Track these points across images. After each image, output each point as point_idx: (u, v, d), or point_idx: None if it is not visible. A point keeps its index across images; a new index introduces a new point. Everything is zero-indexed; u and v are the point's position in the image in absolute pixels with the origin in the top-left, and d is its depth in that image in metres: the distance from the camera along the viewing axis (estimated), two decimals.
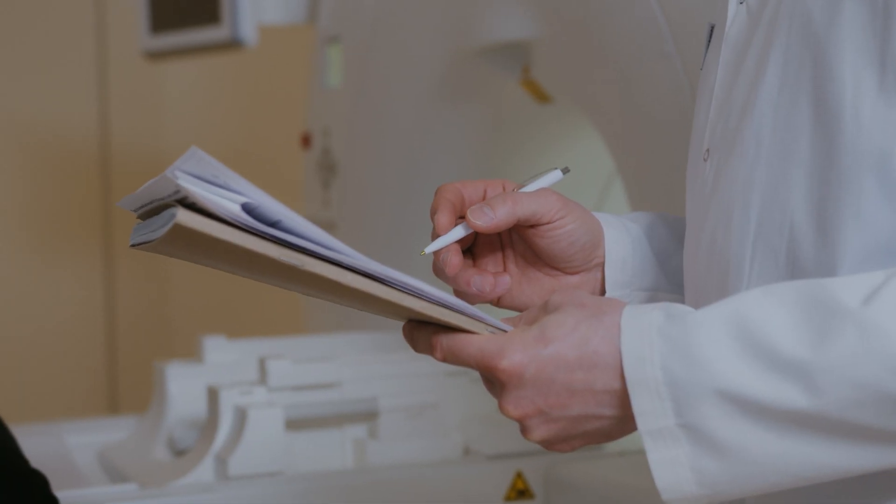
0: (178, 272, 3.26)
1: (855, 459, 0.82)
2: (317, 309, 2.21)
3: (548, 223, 0.98)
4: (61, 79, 3.13)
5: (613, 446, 1.62)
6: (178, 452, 1.62)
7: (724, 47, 0.97)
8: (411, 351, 1.73)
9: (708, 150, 0.97)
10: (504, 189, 1.00)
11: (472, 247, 1.02)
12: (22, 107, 3.10)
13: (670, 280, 1.05)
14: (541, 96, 1.81)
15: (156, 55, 2.33)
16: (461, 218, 0.98)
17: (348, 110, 2.10)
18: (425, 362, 1.62)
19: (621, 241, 1.03)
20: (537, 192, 0.98)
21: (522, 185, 1.00)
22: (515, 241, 1.02)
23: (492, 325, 0.88)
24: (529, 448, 1.58)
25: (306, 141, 2.21)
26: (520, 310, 1.02)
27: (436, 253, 0.97)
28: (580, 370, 0.85)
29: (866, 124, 0.85)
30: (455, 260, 0.97)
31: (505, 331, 0.88)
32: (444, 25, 1.86)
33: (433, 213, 0.97)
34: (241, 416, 1.50)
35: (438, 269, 0.98)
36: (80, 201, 3.15)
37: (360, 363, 1.60)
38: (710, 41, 1.03)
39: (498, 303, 1.03)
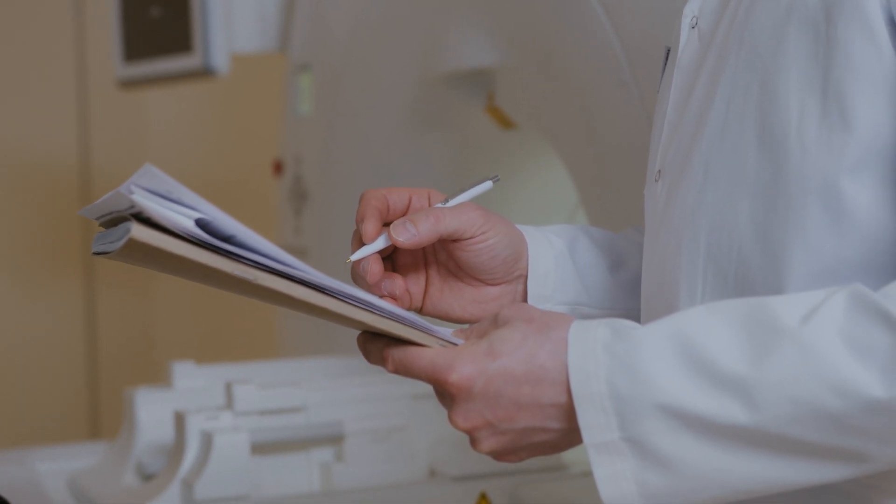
0: (159, 297, 3.28)
1: (795, 474, 0.85)
2: (294, 331, 2.23)
3: (470, 238, 0.99)
4: (41, 106, 3.15)
5: (577, 467, 1.64)
6: (147, 478, 1.63)
7: (677, 71, 1.00)
8: (377, 374, 1.75)
9: (660, 172, 0.99)
10: (430, 198, 1.01)
11: (394, 254, 1.03)
12: (2, 136, 3.12)
13: (591, 295, 1.06)
14: (505, 123, 1.83)
15: (130, 84, 2.36)
16: (386, 225, 0.99)
17: (319, 138, 2.13)
18: (391, 386, 1.64)
19: (544, 255, 1.04)
20: (460, 207, 0.99)
21: (452, 196, 1.01)
22: (437, 251, 1.03)
23: (442, 339, 0.91)
24: (494, 469, 1.59)
25: (278, 168, 2.23)
26: (441, 317, 1.03)
27: (356, 261, 0.98)
28: (527, 384, 0.87)
29: (811, 150, 0.87)
30: (375, 268, 0.98)
31: (455, 344, 0.90)
32: (411, 54, 1.89)
33: (360, 220, 0.98)
34: (206, 441, 1.51)
35: (357, 277, 0.99)
36: (61, 228, 3.17)
37: (326, 387, 1.61)
38: (666, 64, 1.05)
39: (420, 310, 1.04)
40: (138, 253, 0.83)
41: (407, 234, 0.97)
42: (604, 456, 0.86)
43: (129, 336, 3.26)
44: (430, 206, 1.01)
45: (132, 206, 0.81)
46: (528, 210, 1.99)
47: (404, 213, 1.01)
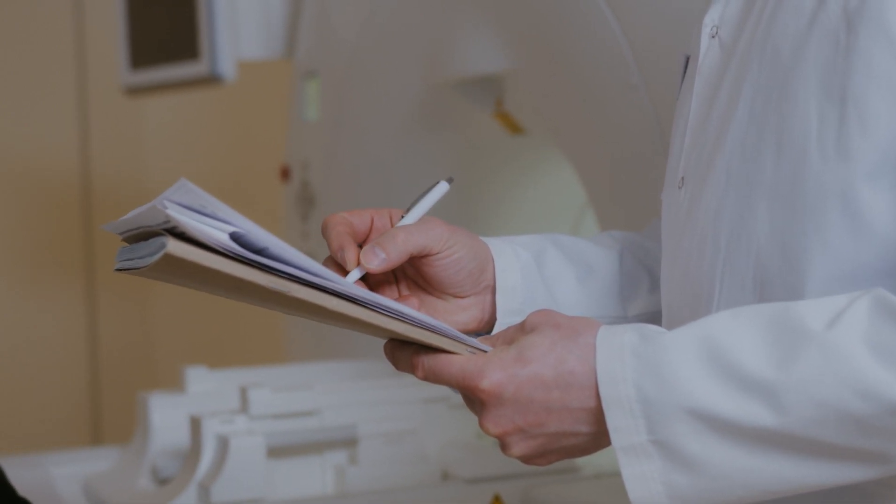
0: (159, 303, 3.29)
1: (819, 475, 0.87)
2: (297, 338, 2.24)
3: (437, 254, 1.01)
4: (42, 112, 3.16)
5: (589, 469, 1.65)
6: (162, 481, 1.64)
7: (698, 80, 1.01)
8: (390, 378, 1.76)
9: (683, 178, 1.01)
10: (391, 218, 1.02)
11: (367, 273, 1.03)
12: (3, 141, 3.13)
13: (560, 306, 1.08)
14: (514, 128, 1.85)
15: (136, 90, 2.37)
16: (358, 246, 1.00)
17: (326, 143, 2.14)
18: (404, 389, 1.66)
19: (511, 269, 1.06)
20: (426, 225, 1.00)
21: (410, 207, 1.02)
22: (406, 267, 1.04)
23: (471, 346, 0.92)
24: (506, 471, 1.61)
25: (285, 174, 2.24)
26: None
27: None
28: (557, 389, 0.89)
29: (830, 156, 0.89)
30: None
31: (484, 351, 0.92)
32: (419, 60, 1.90)
33: (339, 250, 0.98)
34: (222, 445, 1.52)
35: None
36: (62, 234, 3.18)
37: (340, 391, 1.63)
38: (685, 72, 1.07)
39: None
40: (172, 268, 0.83)
41: (377, 260, 0.98)
42: (632, 458, 0.88)
43: (131, 341, 3.27)
44: (392, 225, 1.02)
45: (167, 221, 0.82)
46: (534, 214, 2.01)
47: (367, 234, 1.02)
